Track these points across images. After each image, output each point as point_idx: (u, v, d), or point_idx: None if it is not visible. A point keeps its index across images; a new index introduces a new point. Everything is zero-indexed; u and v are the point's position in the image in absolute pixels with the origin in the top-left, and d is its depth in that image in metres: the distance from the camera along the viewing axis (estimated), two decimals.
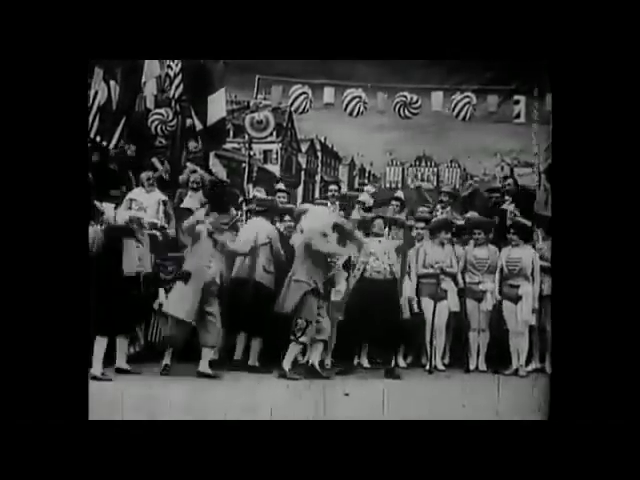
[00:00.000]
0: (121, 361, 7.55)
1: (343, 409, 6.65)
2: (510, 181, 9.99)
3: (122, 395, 6.42)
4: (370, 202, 9.64)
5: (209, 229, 7.80)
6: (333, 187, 10.17)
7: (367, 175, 12.80)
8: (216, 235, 7.83)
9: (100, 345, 7.28)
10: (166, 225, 9.21)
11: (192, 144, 10.34)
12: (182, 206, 9.28)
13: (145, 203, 9.14)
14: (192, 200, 9.32)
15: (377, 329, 7.74)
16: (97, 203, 8.57)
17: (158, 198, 9.25)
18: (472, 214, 9.03)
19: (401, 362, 8.53)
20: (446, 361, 8.59)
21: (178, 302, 7.50)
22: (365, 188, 10.40)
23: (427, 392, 7.58)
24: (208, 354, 7.56)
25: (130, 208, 9.14)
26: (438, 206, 9.86)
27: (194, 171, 9.49)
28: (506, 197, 9.52)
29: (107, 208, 9.23)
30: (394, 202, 9.51)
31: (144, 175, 9.33)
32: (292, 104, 10.20)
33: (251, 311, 7.98)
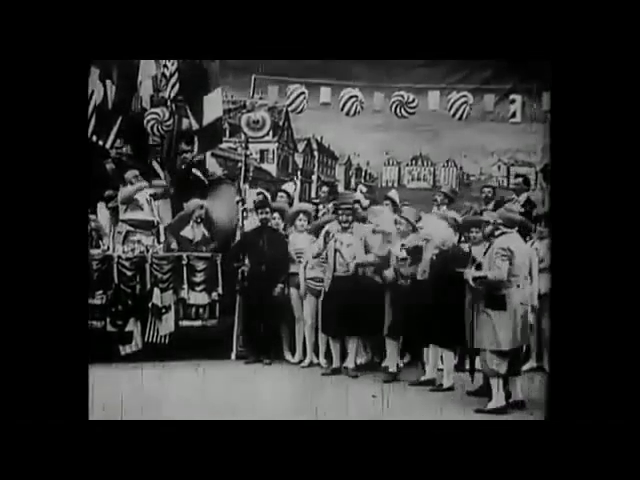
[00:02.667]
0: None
1: None
2: (520, 180, 10.08)
3: (122, 395, 6.43)
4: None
5: None
6: (324, 189, 10.30)
7: (364, 174, 12.81)
8: None
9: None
10: (159, 220, 9.32)
11: (183, 146, 10.37)
12: (182, 234, 9.37)
13: (140, 200, 9.30)
14: (193, 231, 9.41)
15: None
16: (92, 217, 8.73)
17: (147, 193, 9.36)
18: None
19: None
20: None
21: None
22: (359, 187, 10.43)
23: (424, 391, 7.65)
24: None
25: (126, 210, 9.29)
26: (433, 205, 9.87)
27: (201, 207, 9.54)
28: (514, 196, 9.55)
29: (101, 212, 9.36)
30: (386, 202, 9.55)
31: (129, 174, 9.41)
32: (291, 104, 10.19)
33: None
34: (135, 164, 9.88)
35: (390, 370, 8.16)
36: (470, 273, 7.04)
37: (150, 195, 9.44)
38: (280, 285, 8.96)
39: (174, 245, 9.26)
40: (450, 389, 7.67)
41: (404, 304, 7.93)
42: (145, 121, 10.10)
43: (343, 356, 8.52)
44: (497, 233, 7.15)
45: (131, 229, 9.19)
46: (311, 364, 8.84)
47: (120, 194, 9.45)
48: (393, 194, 9.81)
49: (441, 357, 7.87)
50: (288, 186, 10.84)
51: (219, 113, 10.34)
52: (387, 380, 8.02)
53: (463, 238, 8.01)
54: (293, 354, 9.08)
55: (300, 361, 8.96)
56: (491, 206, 9.34)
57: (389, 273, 8.16)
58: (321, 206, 9.89)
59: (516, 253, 7.00)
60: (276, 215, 9.22)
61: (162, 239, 9.47)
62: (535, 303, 7.60)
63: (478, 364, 7.32)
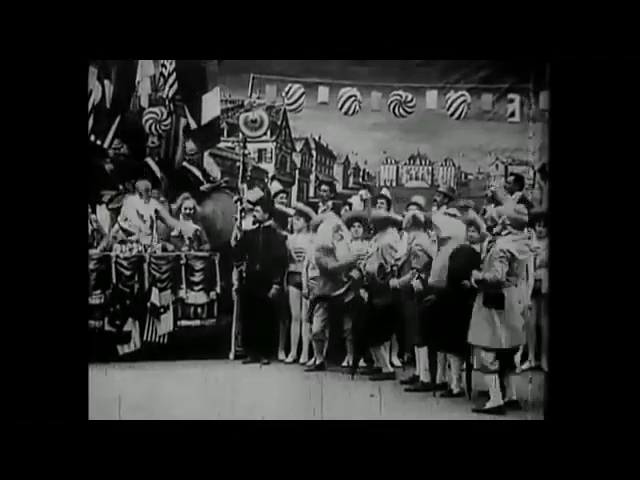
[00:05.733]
0: None
1: None
2: (511, 179, 10.10)
3: (120, 395, 6.44)
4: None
5: None
6: (323, 187, 10.33)
7: (362, 174, 12.82)
8: None
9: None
10: (154, 244, 9.28)
11: (189, 145, 10.37)
12: (173, 234, 9.38)
13: (141, 211, 9.30)
14: (184, 228, 9.42)
15: None
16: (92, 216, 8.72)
17: (154, 208, 9.35)
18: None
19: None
20: None
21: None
22: (360, 192, 10.46)
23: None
24: None
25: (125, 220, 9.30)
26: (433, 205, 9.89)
27: (187, 198, 9.56)
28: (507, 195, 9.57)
29: (100, 212, 9.37)
30: (380, 200, 9.59)
31: (141, 184, 9.41)
32: (289, 103, 10.20)
33: None
34: (133, 164, 9.87)
35: (424, 380, 7.84)
36: (473, 275, 7.01)
37: (156, 210, 9.45)
38: (276, 286, 8.95)
39: (170, 246, 9.27)
40: (460, 395, 7.51)
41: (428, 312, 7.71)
42: (143, 120, 10.11)
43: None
44: (504, 232, 7.09)
45: (124, 237, 9.20)
46: (320, 365, 8.77)
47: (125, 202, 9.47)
48: (386, 192, 9.88)
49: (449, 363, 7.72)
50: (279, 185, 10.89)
51: (217, 112, 10.35)
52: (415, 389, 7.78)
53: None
54: (288, 354, 9.09)
55: (294, 360, 8.98)
56: (492, 206, 9.34)
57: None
58: (320, 204, 9.93)
59: (517, 256, 6.96)
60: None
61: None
62: (529, 302, 7.58)
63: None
